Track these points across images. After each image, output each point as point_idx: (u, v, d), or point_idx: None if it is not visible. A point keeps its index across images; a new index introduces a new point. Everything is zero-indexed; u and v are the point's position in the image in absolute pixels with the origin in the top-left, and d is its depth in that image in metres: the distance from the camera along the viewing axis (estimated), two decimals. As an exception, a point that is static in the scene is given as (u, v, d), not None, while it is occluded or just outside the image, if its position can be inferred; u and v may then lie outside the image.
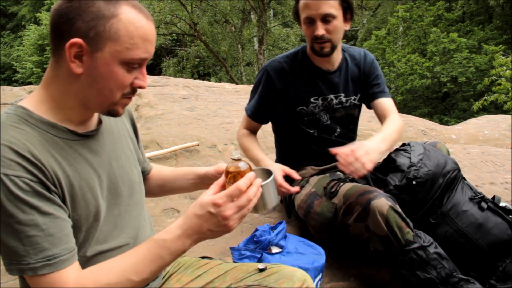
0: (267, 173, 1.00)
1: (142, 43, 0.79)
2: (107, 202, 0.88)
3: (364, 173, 1.30)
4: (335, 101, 1.74)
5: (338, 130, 1.77)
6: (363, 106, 1.87)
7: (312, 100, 1.71)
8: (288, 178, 1.81)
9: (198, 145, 2.99)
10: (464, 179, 1.59)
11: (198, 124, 3.54)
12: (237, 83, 11.65)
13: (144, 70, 0.83)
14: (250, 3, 14.35)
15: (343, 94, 1.75)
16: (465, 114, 11.29)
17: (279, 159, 1.92)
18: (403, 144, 1.66)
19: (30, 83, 15.82)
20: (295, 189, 1.32)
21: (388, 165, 1.55)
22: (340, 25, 1.58)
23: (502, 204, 1.54)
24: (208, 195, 0.80)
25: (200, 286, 0.99)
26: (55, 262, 0.74)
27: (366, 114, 3.28)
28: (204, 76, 17.15)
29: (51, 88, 0.81)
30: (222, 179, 0.86)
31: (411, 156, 1.52)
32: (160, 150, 2.88)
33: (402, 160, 1.52)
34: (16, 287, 1.53)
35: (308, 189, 1.66)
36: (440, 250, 1.36)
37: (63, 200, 0.78)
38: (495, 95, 8.59)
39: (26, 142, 0.74)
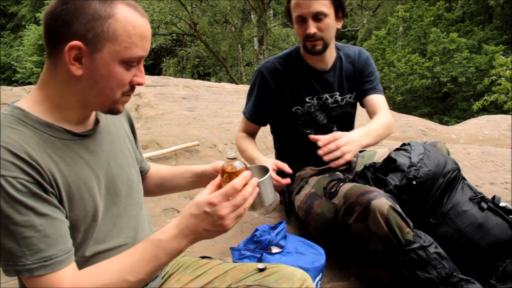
0: (264, 170, 1.00)
1: (139, 41, 0.79)
2: (106, 201, 0.88)
3: (341, 163, 1.29)
4: (330, 100, 1.73)
5: (335, 129, 1.76)
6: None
7: (307, 99, 1.71)
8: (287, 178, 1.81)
9: (198, 145, 2.99)
10: (464, 179, 1.59)
11: (198, 124, 3.54)
12: (237, 83, 11.65)
13: (141, 67, 0.84)
14: (250, 3, 14.35)
15: (338, 93, 1.74)
16: (465, 114, 11.29)
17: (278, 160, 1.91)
18: (403, 144, 1.65)
19: (30, 83, 15.82)
20: (286, 180, 1.31)
21: (388, 165, 1.54)
22: (332, 23, 1.58)
23: (502, 204, 1.54)
24: (204, 195, 0.80)
25: (200, 286, 0.99)
26: (51, 263, 0.73)
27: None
28: (204, 76, 17.15)
29: (49, 90, 0.81)
30: (218, 179, 0.86)
31: (411, 156, 1.52)
32: (160, 150, 2.88)
33: (402, 160, 1.52)
34: (16, 287, 1.53)
35: (308, 190, 1.66)
36: (440, 250, 1.36)
37: (60, 201, 0.78)
38: (495, 95, 8.60)
39: (23, 143, 0.74)
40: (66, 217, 0.79)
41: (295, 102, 1.70)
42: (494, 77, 8.83)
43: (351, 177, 1.73)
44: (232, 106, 4.25)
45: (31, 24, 19.37)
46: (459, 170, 1.55)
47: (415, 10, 13.33)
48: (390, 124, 1.61)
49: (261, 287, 0.92)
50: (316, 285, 1.35)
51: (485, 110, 9.77)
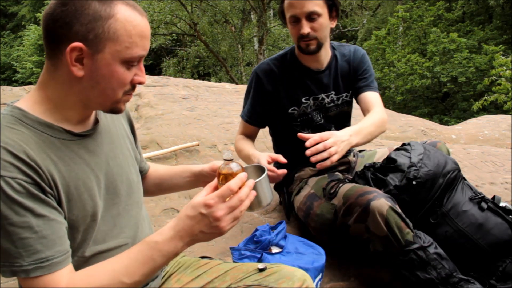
0: (260, 170, 1.00)
1: (140, 41, 0.79)
2: (105, 202, 0.88)
3: (328, 165, 1.28)
4: (326, 100, 1.73)
5: (333, 129, 1.76)
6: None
7: (303, 100, 1.70)
8: (287, 179, 1.81)
9: (198, 145, 2.99)
10: (464, 179, 1.59)
11: (198, 124, 3.54)
12: (237, 83, 11.65)
13: (142, 66, 0.84)
14: (250, 3, 14.35)
15: (333, 92, 1.74)
16: (465, 114, 11.29)
17: (279, 168, 1.91)
18: (403, 144, 1.65)
19: (30, 83, 15.82)
20: (282, 171, 1.31)
21: (388, 165, 1.54)
22: (325, 23, 1.57)
23: (502, 204, 1.54)
24: (200, 197, 0.80)
25: (200, 286, 0.99)
26: (48, 265, 0.73)
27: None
28: (204, 76, 17.15)
29: (49, 90, 0.81)
30: (215, 181, 0.86)
31: (411, 156, 1.52)
32: (160, 150, 2.88)
33: (402, 160, 1.52)
34: (16, 287, 1.53)
35: (307, 191, 1.66)
36: (440, 250, 1.36)
37: (59, 201, 0.78)
38: (495, 95, 8.60)
39: (22, 143, 0.74)
40: (65, 218, 0.79)
41: (290, 103, 1.70)
42: (494, 77, 8.84)
43: (351, 177, 1.73)
44: (232, 106, 4.25)
45: (31, 24, 19.38)
46: (459, 170, 1.55)
47: (415, 10, 13.33)
48: (382, 121, 1.59)
49: (261, 287, 0.92)
50: (316, 285, 1.35)
51: (485, 110, 9.77)
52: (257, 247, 1.42)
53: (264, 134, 3.19)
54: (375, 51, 13.84)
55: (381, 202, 1.32)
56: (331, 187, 1.54)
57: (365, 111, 1.69)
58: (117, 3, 0.77)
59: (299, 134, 1.35)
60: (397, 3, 15.57)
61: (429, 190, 1.48)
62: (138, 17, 0.79)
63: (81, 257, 0.84)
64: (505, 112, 7.87)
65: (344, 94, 1.77)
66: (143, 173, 1.15)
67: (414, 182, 1.45)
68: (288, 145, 1.80)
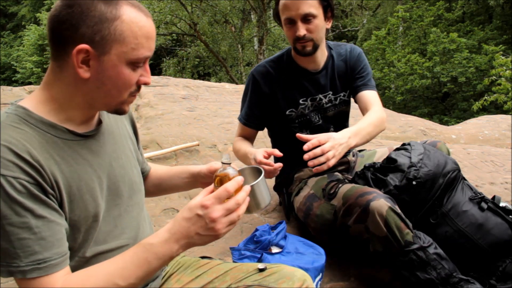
0: (257, 171, 1.00)
1: (146, 42, 0.80)
2: (107, 202, 0.88)
3: (324, 169, 1.28)
4: (324, 100, 1.73)
5: (332, 129, 1.76)
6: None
7: (300, 101, 1.70)
8: (287, 179, 1.81)
9: (198, 145, 2.99)
10: (464, 179, 1.59)
11: (198, 124, 3.54)
12: (237, 83, 11.65)
13: (147, 66, 0.85)
14: (250, 3, 14.35)
15: (331, 92, 1.74)
16: (465, 114, 11.29)
17: (276, 162, 1.91)
18: (403, 144, 1.65)
19: (30, 83, 15.82)
20: (278, 164, 1.31)
21: (388, 165, 1.54)
22: (321, 24, 1.57)
23: (502, 204, 1.54)
24: (197, 199, 0.80)
25: (200, 286, 0.99)
26: (45, 266, 0.73)
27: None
28: (204, 76, 17.15)
29: (54, 90, 0.81)
30: (212, 185, 0.86)
31: (411, 156, 1.52)
32: (160, 150, 2.88)
33: (402, 160, 1.52)
34: (16, 287, 1.53)
35: (307, 191, 1.66)
36: (439, 250, 1.36)
37: (61, 202, 0.78)
38: (495, 95, 8.60)
39: (25, 142, 0.74)
40: (66, 219, 0.79)
41: (288, 104, 1.70)
42: (494, 77, 8.84)
43: (350, 177, 1.73)
44: (232, 106, 4.25)
45: (31, 24, 19.36)
46: (459, 170, 1.56)
47: (415, 10, 13.33)
48: (381, 120, 1.58)
49: (261, 287, 0.92)
50: (316, 285, 1.35)
51: (485, 110, 9.78)
52: (257, 247, 1.42)
53: (264, 134, 3.18)
54: (375, 51, 13.83)
55: (381, 202, 1.32)
56: (331, 188, 1.54)
57: (363, 110, 1.69)
58: (123, 5, 0.77)
59: (298, 134, 1.35)
60: (397, 3, 15.57)
61: (429, 190, 1.48)
62: (143, 18, 0.79)
63: (82, 258, 0.84)
64: (505, 112, 7.87)
65: (342, 94, 1.77)
66: (144, 175, 1.15)
67: (414, 182, 1.45)
68: (287, 146, 1.80)
